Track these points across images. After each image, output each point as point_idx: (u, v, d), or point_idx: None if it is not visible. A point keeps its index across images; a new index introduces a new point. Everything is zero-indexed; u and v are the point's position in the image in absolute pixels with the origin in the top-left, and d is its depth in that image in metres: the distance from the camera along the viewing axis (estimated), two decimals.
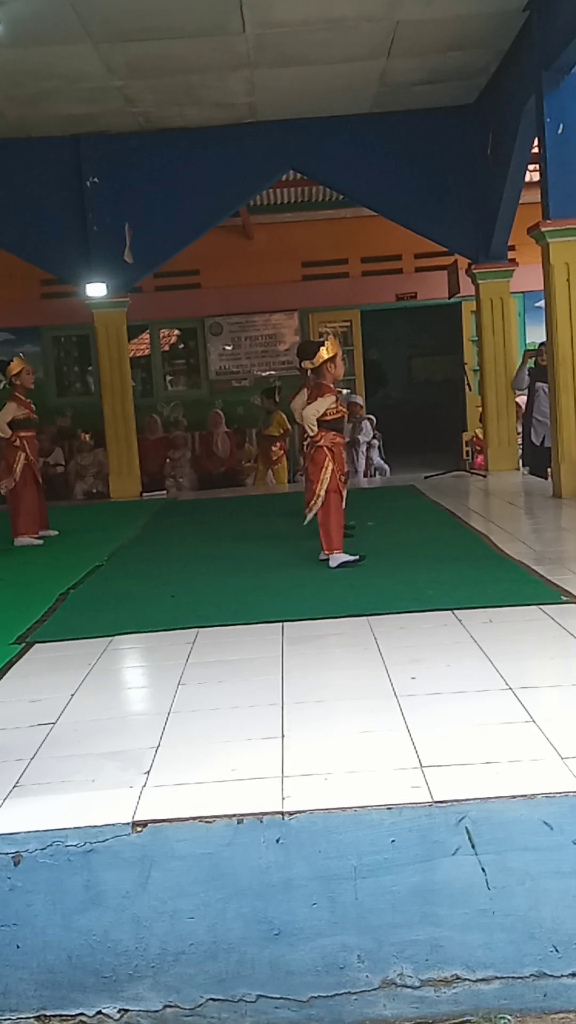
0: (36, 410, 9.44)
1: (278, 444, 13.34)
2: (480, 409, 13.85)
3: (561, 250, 9.31)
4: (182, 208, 12.30)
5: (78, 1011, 3.09)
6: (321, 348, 7.12)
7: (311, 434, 7.02)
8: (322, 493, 6.95)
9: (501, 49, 10.35)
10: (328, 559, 6.93)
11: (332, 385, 7.10)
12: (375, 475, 14.41)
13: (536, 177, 10.37)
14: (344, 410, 7.29)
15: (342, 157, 12.17)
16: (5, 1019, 3.08)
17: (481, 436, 13.75)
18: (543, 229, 9.29)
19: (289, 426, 12.97)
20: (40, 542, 9.03)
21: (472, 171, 12.14)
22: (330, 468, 6.97)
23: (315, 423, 6.95)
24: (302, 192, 15.14)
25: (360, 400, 14.68)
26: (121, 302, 12.63)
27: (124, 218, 12.37)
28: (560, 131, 9.12)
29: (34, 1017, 3.09)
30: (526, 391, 12.24)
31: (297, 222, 15.73)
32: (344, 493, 7.11)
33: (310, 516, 7.07)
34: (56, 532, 9.34)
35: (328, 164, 12.31)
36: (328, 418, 7.04)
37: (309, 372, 7.51)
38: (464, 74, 11.04)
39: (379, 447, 14.77)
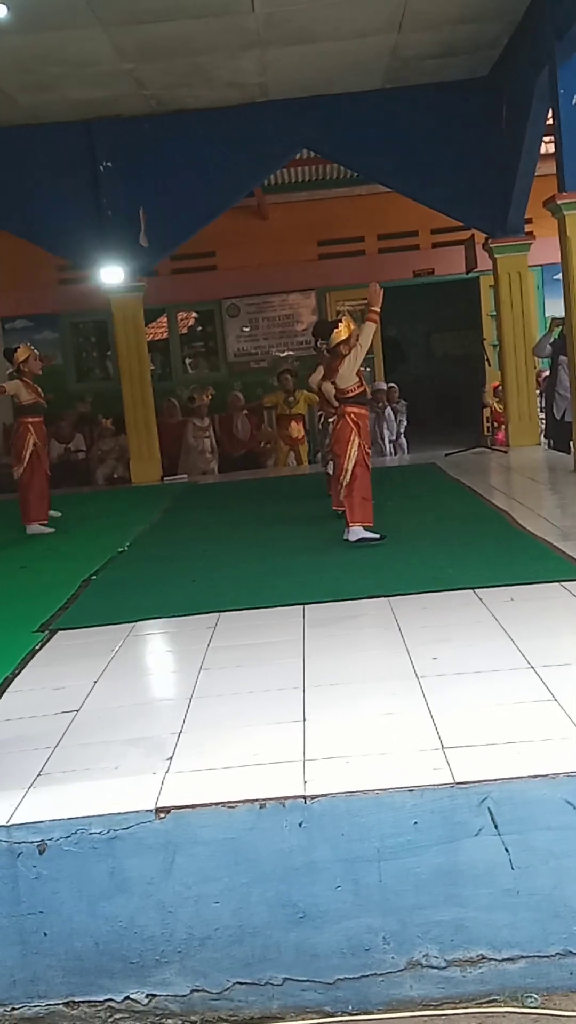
0: (55, 396, 9.44)
1: (295, 422, 13.28)
2: (495, 384, 13.79)
3: None
4: (196, 190, 12.25)
5: (106, 997, 3.12)
6: (337, 328, 7.11)
7: (341, 395, 7.00)
8: (350, 467, 6.95)
9: (513, 20, 10.23)
10: (349, 534, 6.92)
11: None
12: (395, 452, 14.35)
13: (551, 149, 10.25)
14: (365, 386, 7.27)
15: (355, 134, 12.07)
16: (35, 1006, 3.12)
17: (499, 410, 13.68)
18: (559, 201, 9.20)
19: (317, 399, 12.93)
20: (51, 530, 9.04)
21: (487, 144, 12.01)
22: (356, 442, 6.99)
23: (352, 377, 6.93)
24: (316, 170, 15.05)
25: (383, 386, 14.56)
26: (137, 287, 12.60)
27: (138, 202, 12.32)
28: (574, 102, 9.02)
29: (63, 1003, 3.12)
30: (548, 361, 12.14)
31: (312, 201, 15.65)
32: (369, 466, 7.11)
33: (342, 491, 7.06)
34: (59, 513, 9.31)
35: (342, 141, 12.22)
36: (351, 394, 7.07)
37: (325, 351, 7.51)
38: (476, 47, 10.92)
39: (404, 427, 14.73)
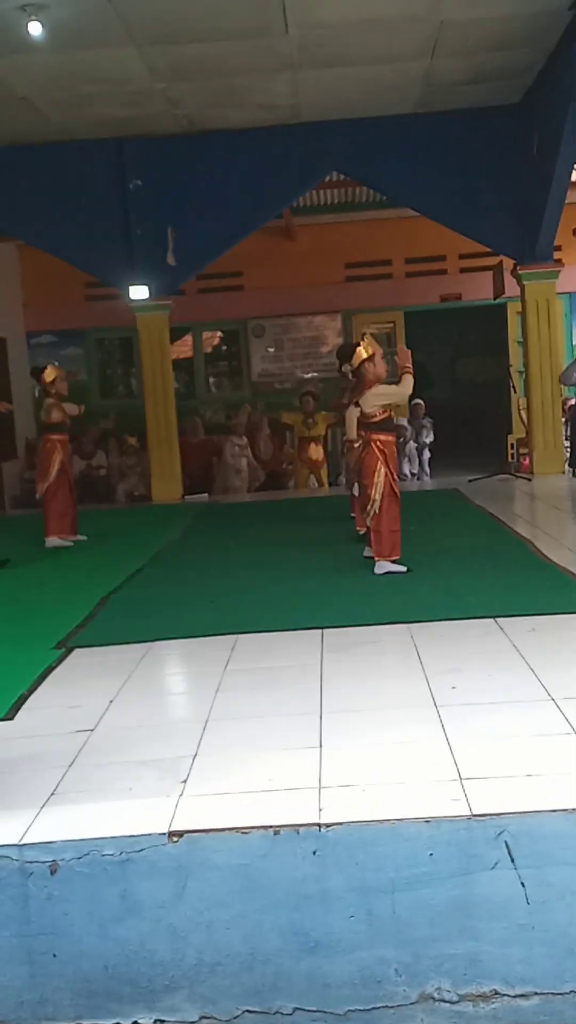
0: (78, 413, 9.59)
1: (315, 444, 13.26)
2: (522, 411, 13.73)
3: None
4: (225, 210, 12.29)
5: (114, 1021, 3.09)
6: (358, 348, 7.07)
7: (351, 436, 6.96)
8: (377, 498, 6.85)
9: (547, 48, 10.24)
10: (373, 560, 6.87)
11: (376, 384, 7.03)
12: (418, 477, 14.33)
13: None
14: (392, 411, 7.20)
15: (386, 158, 12.10)
16: None
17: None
18: None
19: (332, 419, 12.96)
20: (70, 543, 9.12)
21: (517, 171, 12.01)
22: (383, 472, 6.88)
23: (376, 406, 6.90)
24: (345, 193, 15.07)
25: (404, 422, 14.55)
26: (164, 305, 12.65)
27: (167, 221, 12.38)
28: None
29: None
30: (574, 389, 12.10)
31: (340, 223, 15.67)
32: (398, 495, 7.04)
33: (368, 520, 7.00)
34: (84, 537, 9.39)
35: (372, 165, 12.24)
36: (376, 419, 6.97)
37: (350, 375, 7.47)
38: (509, 74, 10.93)
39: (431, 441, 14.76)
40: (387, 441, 7.02)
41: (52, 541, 9.08)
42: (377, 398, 6.90)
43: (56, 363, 10.17)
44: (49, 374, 9.29)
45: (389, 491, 6.88)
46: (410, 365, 6.96)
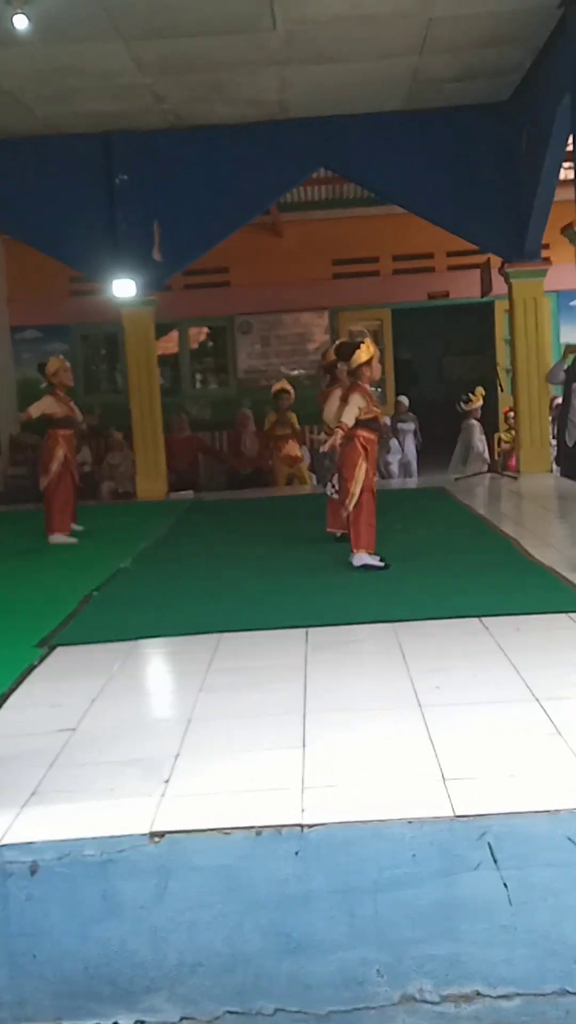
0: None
1: (291, 441, 13.27)
2: (507, 410, 13.75)
3: None
4: (211, 206, 12.26)
5: (94, 1021, 3.07)
6: (358, 350, 7.08)
7: (340, 432, 6.96)
8: (357, 492, 6.90)
9: (536, 46, 10.24)
10: (353, 559, 6.89)
11: (367, 387, 7.06)
12: (403, 473, 14.34)
13: (570, 175, 10.26)
14: (377, 410, 7.21)
15: (374, 154, 12.07)
16: None
17: (507, 440, 13.64)
18: None
19: (298, 427, 13.06)
20: (74, 540, 9.05)
21: (505, 169, 12.01)
22: (364, 467, 6.94)
23: (350, 420, 6.91)
24: (333, 189, 15.07)
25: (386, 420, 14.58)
26: (149, 301, 12.59)
27: (153, 216, 12.33)
28: None
29: None
30: (561, 387, 12.11)
31: (328, 220, 15.65)
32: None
33: (347, 516, 7.02)
34: (82, 527, 9.35)
35: (360, 162, 12.22)
36: (362, 417, 7.00)
37: (346, 373, 7.48)
38: (498, 71, 10.93)
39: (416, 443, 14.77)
40: (370, 439, 7.07)
41: (56, 539, 8.99)
42: (351, 411, 6.93)
43: (61, 356, 10.16)
44: (51, 366, 9.23)
45: (369, 487, 6.95)
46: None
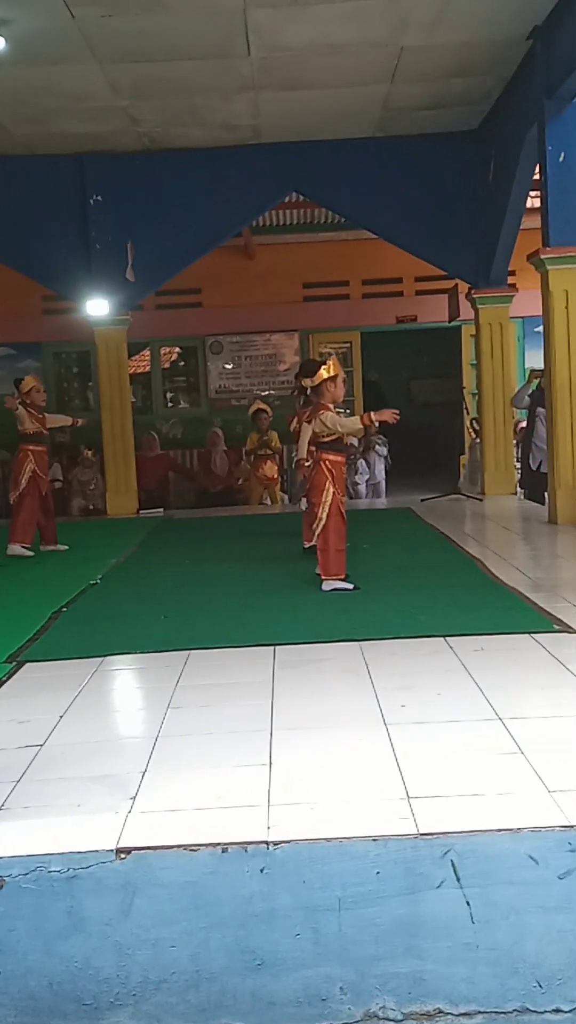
0: (71, 424, 10.03)
1: (269, 462, 13.34)
2: (471, 434, 13.89)
3: (560, 277, 9.34)
4: (184, 227, 12.35)
5: None
6: (322, 367, 7.12)
7: (302, 455, 7.01)
8: (324, 516, 6.90)
9: (504, 76, 10.42)
10: (323, 585, 6.91)
11: (331, 406, 7.06)
12: (372, 495, 14.42)
13: (537, 203, 10.41)
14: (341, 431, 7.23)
15: (345, 180, 12.22)
16: None
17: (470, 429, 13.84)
18: (542, 256, 9.32)
19: (280, 445, 13.11)
20: (30, 553, 9.10)
21: (473, 196, 12.20)
22: (331, 491, 6.93)
23: (303, 452, 6.97)
24: (304, 214, 15.20)
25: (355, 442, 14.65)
26: (122, 320, 12.66)
27: (126, 236, 12.41)
28: (561, 159, 9.17)
29: None
30: (525, 412, 12.24)
31: (299, 243, 15.79)
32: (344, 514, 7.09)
33: (314, 540, 7.05)
34: (66, 547, 9.46)
35: (331, 187, 12.36)
36: (326, 439, 7.03)
37: (308, 391, 7.51)
38: (467, 100, 11.10)
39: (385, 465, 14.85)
40: (336, 461, 7.06)
41: (14, 549, 9.08)
42: (330, 422, 6.94)
43: (36, 375, 10.35)
44: (26, 384, 9.40)
45: (336, 511, 6.92)
46: (378, 423, 7.07)
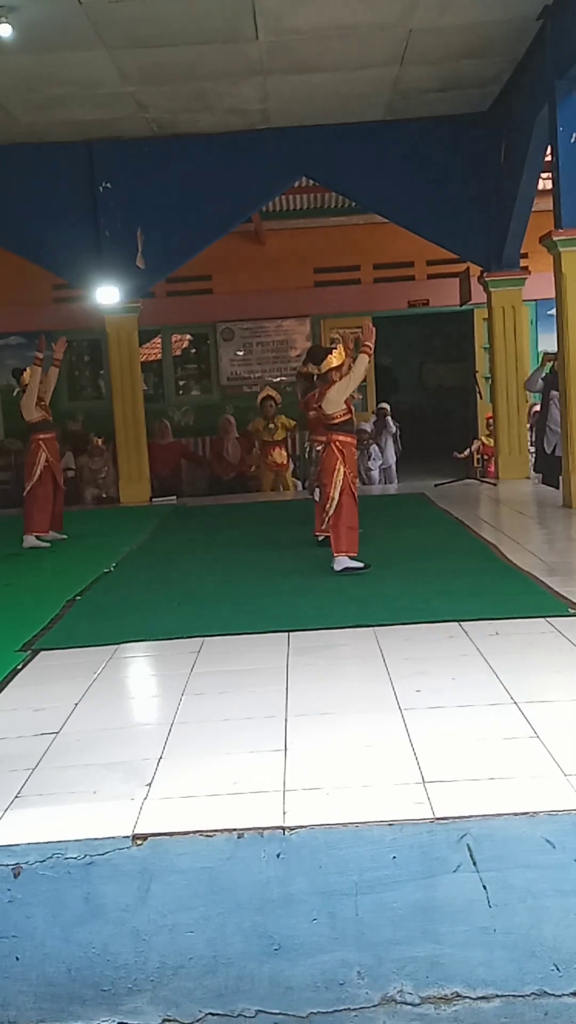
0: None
1: (278, 448, 13.32)
2: (488, 415, 13.82)
3: (573, 259, 9.28)
4: (194, 214, 12.30)
5: None
6: (329, 355, 7.12)
7: (327, 420, 7.00)
8: (336, 496, 6.94)
9: (515, 58, 10.33)
10: (334, 563, 6.91)
11: (336, 378, 7.05)
12: (384, 480, 14.39)
13: (549, 185, 10.35)
14: (352, 413, 7.25)
15: (355, 164, 12.15)
16: None
17: (489, 444, 13.71)
18: (555, 238, 9.26)
19: (292, 424, 13.07)
20: (47, 545, 9.07)
21: (484, 179, 12.12)
22: (342, 471, 6.99)
23: (339, 403, 6.96)
24: (315, 198, 15.12)
25: (367, 427, 14.61)
26: (133, 307, 12.63)
27: (136, 223, 12.37)
28: (573, 140, 9.10)
29: None
30: (539, 395, 12.18)
31: (309, 228, 15.71)
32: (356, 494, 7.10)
33: (327, 520, 7.06)
34: (65, 536, 9.37)
35: (341, 171, 12.29)
36: (337, 420, 7.05)
37: (315, 378, 7.51)
38: (477, 82, 11.02)
39: (396, 450, 14.81)
40: (346, 442, 7.12)
41: (30, 540, 9.06)
42: (340, 394, 6.96)
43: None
44: (27, 376, 9.33)
45: (347, 489, 6.97)
46: (371, 343, 7.03)
